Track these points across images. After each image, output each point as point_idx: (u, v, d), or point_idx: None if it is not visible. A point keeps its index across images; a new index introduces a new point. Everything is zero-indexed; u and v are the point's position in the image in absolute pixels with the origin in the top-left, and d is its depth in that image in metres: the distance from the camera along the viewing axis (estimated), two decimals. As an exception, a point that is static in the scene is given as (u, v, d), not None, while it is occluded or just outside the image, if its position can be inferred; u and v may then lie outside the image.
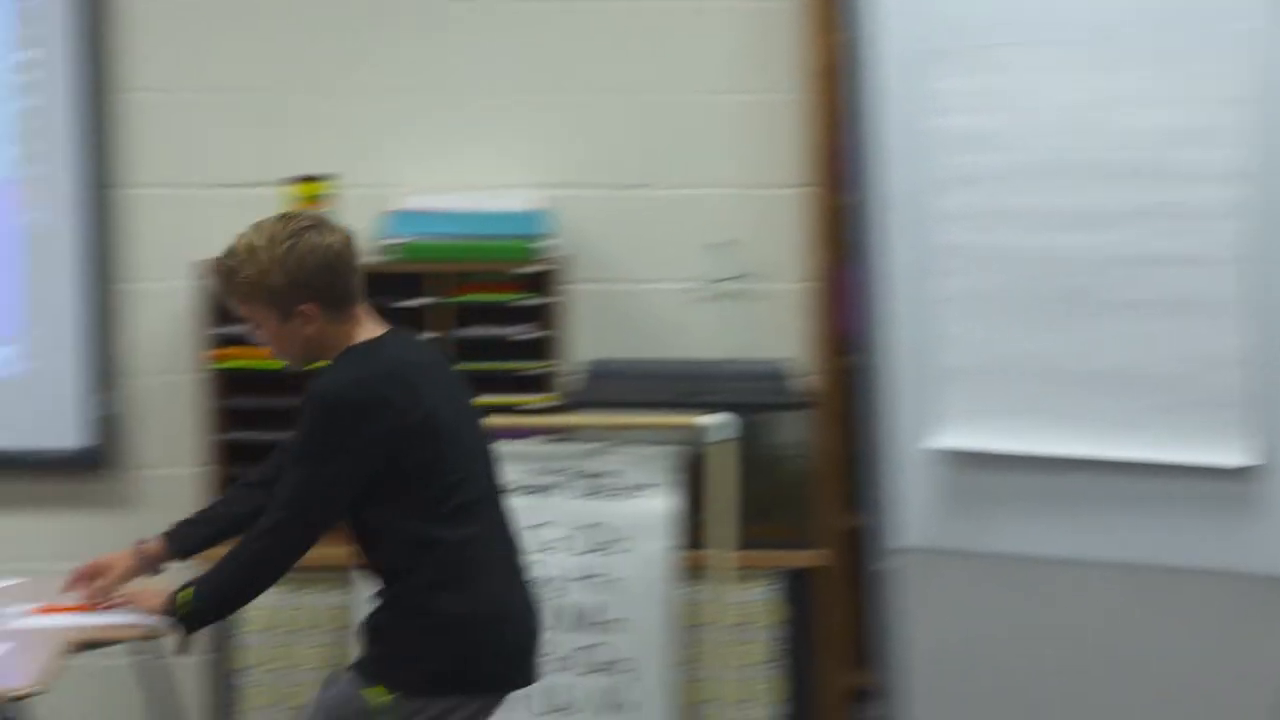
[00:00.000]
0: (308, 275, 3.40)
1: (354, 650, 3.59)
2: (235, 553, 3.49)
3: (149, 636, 3.60)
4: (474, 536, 3.45)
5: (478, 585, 3.45)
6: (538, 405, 4.67)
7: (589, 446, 4.57)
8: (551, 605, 4.50)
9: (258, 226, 3.46)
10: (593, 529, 4.53)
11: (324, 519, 3.42)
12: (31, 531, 4.82)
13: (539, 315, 4.72)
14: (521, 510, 4.49)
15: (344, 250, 3.45)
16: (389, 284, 4.68)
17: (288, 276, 3.40)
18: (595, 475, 4.56)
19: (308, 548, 3.43)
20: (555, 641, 4.50)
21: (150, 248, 4.92)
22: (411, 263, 4.71)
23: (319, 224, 3.46)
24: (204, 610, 3.48)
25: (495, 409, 4.63)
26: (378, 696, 3.40)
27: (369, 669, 3.46)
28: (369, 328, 3.50)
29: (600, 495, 4.55)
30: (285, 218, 3.48)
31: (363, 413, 3.37)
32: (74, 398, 4.96)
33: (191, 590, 3.45)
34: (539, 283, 4.72)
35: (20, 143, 4.93)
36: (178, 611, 3.46)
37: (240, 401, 4.67)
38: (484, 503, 3.51)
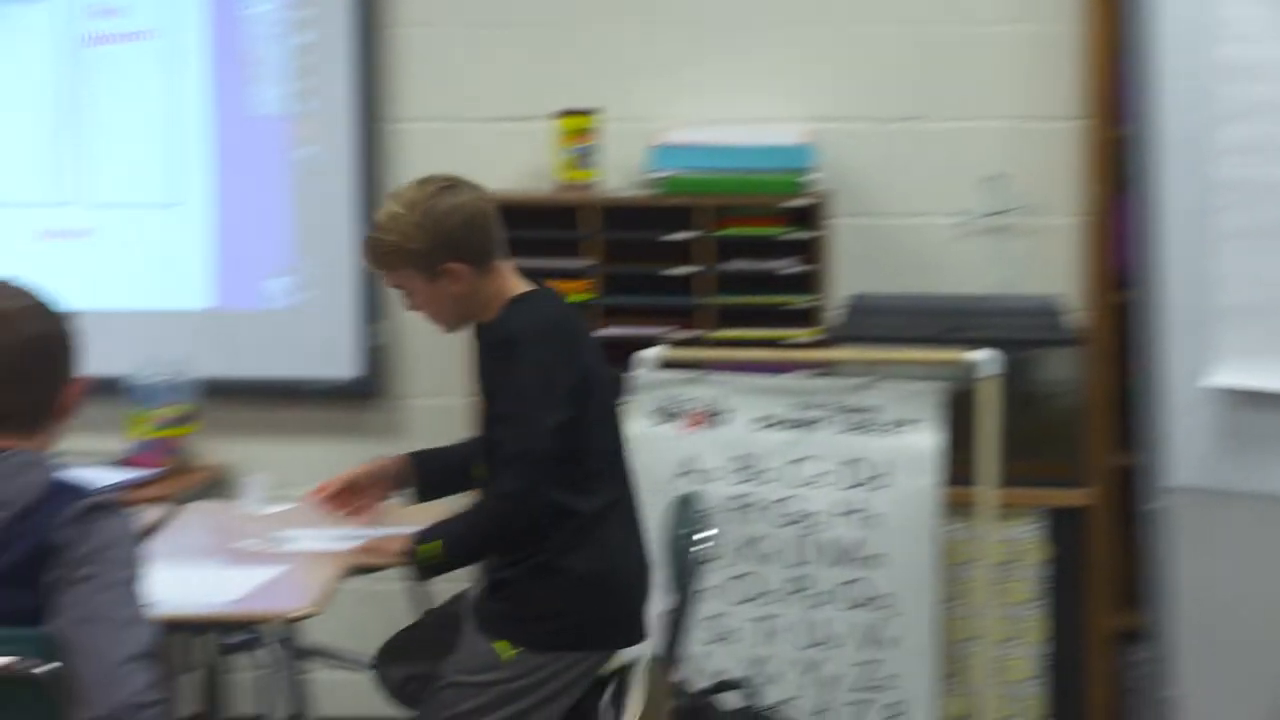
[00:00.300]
0: (447, 234, 3.47)
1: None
2: (481, 511, 3.54)
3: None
4: (608, 502, 3.51)
5: (608, 547, 3.50)
6: (801, 339, 4.65)
7: (852, 381, 4.54)
8: (812, 540, 4.50)
9: (396, 195, 3.57)
10: (855, 464, 4.50)
11: (553, 465, 3.44)
12: (305, 459, 4.91)
13: (803, 249, 4.68)
14: (784, 445, 4.53)
15: (481, 207, 3.52)
16: (653, 218, 4.70)
17: (429, 238, 3.47)
18: (858, 410, 4.52)
19: (551, 494, 3.44)
20: (816, 576, 4.49)
21: (420, 181, 4.99)
22: (675, 196, 4.70)
23: (455, 184, 3.53)
24: (449, 565, 3.56)
25: (759, 343, 4.65)
26: (503, 651, 3.46)
27: (493, 624, 3.50)
28: (517, 283, 3.55)
29: (863, 430, 4.51)
30: (423, 182, 3.55)
31: (551, 350, 3.44)
32: (346, 328, 5.06)
33: (440, 544, 3.50)
34: (803, 217, 4.68)
35: (294, 79, 5.04)
36: (421, 562, 3.54)
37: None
38: (615, 465, 3.56)
